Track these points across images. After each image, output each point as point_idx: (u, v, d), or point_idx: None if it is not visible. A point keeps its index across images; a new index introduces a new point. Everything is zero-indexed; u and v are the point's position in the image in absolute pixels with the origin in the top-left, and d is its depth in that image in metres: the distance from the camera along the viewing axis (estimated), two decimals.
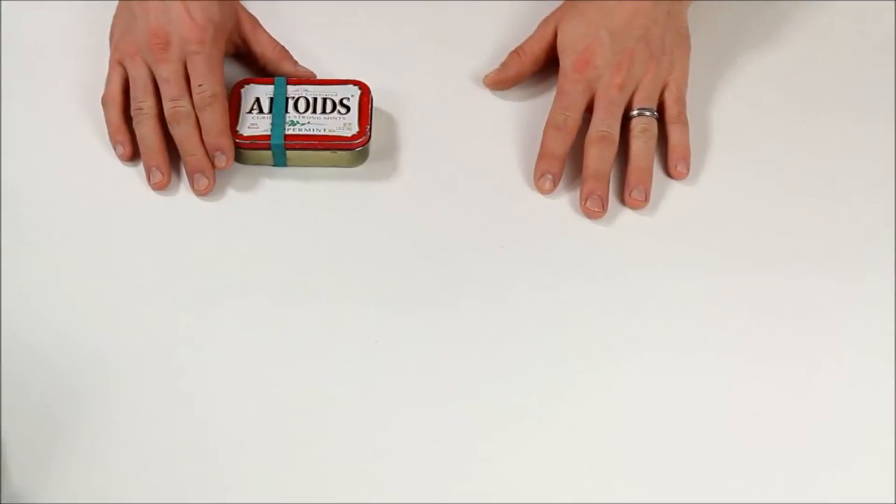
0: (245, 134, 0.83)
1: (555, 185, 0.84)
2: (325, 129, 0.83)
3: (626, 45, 0.85)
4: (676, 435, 0.75)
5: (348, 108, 0.84)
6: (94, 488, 0.72)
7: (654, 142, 0.85)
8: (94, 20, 0.91)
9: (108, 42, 0.89)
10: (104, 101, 0.86)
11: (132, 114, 0.85)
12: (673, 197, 0.85)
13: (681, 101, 0.87)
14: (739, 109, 0.89)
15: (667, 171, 0.85)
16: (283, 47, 0.89)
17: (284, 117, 0.84)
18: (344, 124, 0.84)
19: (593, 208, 0.83)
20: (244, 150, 0.84)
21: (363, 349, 0.78)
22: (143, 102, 0.84)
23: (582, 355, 0.78)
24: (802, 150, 0.87)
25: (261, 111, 0.84)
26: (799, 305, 0.80)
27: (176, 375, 0.76)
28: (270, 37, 0.89)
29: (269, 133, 0.83)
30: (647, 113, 0.85)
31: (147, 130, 0.84)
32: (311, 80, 0.87)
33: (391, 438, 0.74)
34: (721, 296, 0.80)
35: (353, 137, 0.83)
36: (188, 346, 0.78)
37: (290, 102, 0.85)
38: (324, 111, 0.84)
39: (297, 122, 0.84)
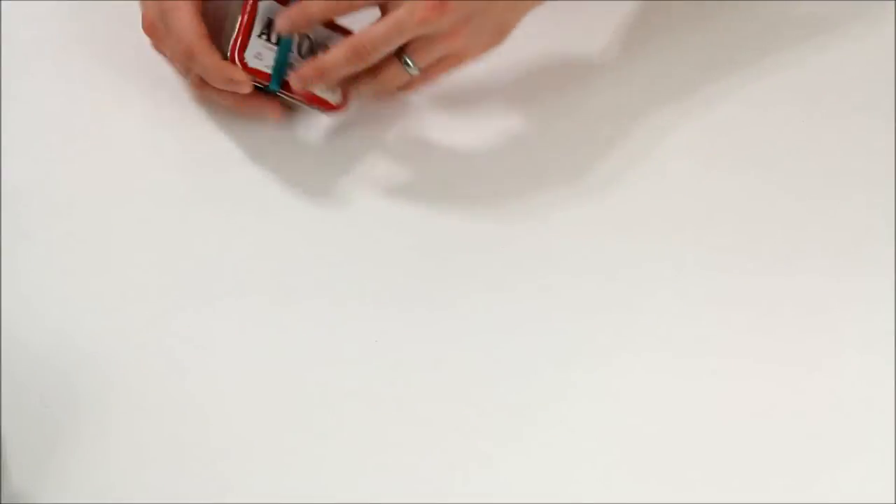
0: (250, 65, 0.81)
1: (290, 28, 0.80)
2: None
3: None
4: (676, 434, 0.75)
5: None
6: (94, 488, 0.72)
7: (384, 91, 0.81)
8: (95, 20, 0.92)
9: (110, 43, 0.89)
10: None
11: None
12: (673, 196, 0.85)
13: (433, 79, 0.81)
14: (739, 109, 0.89)
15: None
16: None
17: (287, 57, 0.82)
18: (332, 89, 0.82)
19: (295, 80, 0.80)
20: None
21: (363, 349, 0.78)
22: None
23: (581, 354, 0.78)
24: (802, 150, 0.87)
25: (269, 40, 0.82)
26: (799, 305, 0.80)
27: (176, 375, 0.76)
28: None
29: (270, 73, 0.81)
30: (411, 66, 0.78)
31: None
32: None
33: (391, 438, 0.74)
34: (721, 295, 0.80)
35: (337, 107, 0.83)
36: (188, 345, 0.78)
37: (296, 41, 0.82)
38: None
39: (296, 66, 0.81)
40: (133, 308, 0.79)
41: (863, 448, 0.75)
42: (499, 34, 0.80)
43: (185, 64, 0.82)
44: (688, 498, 0.72)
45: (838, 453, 0.74)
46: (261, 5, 0.83)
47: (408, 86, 0.82)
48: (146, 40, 0.86)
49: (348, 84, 0.82)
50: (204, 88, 0.84)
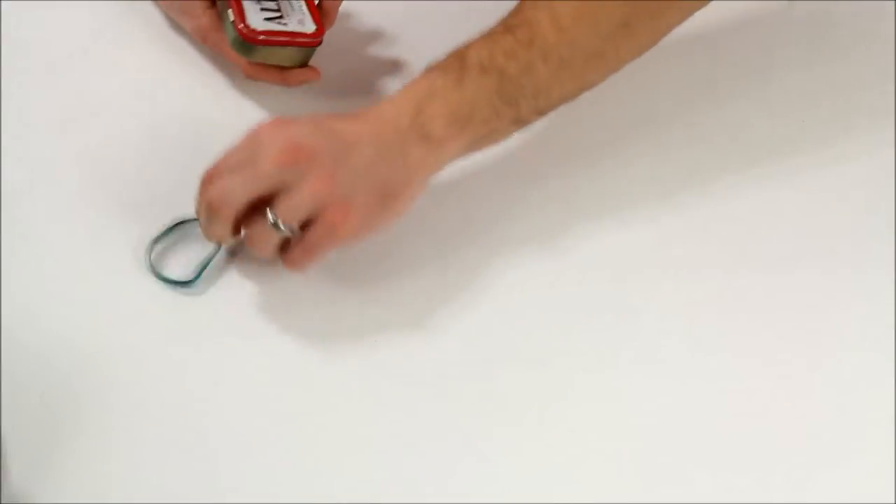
0: (260, 28, 0.82)
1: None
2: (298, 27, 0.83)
3: (311, 144, 0.72)
4: (676, 435, 0.75)
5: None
6: (94, 488, 0.72)
7: (260, 254, 0.76)
8: (95, 20, 0.92)
9: (110, 43, 0.89)
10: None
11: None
12: (673, 197, 0.85)
13: (312, 254, 0.74)
14: (739, 109, 0.89)
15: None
16: None
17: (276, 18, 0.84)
18: (299, 21, 0.83)
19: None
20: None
21: (362, 349, 0.78)
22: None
23: (581, 355, 0.78)
24: (802, 149, 0.87)
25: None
26: (799, 305, 0.80)
27: (176, 375, 0.76)
28: None
29: (282, 30, 0.83)
30: (280, 228, 0.73)
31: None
32: None
33: (390, 438, 0.74)
34: (721, 296, 0.80)
35: (314, 34, 0.84)
36: (188, 346, 0.78)
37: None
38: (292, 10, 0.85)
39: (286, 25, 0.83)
40: (133, 308, 0.79)
41: (863, 448, 0.75)
42: (383, 199, 0.74)
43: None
44: (688, 498, 0.72)
45: (838, 453, 0.74)
46: None
47: (291, 254, 0.75)
48: (147, 41, 0.87)
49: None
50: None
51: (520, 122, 0.79)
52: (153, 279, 0.80)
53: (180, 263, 0.81)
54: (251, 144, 0.74)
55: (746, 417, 0.75)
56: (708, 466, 0.74)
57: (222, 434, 0.74)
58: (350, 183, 0.72)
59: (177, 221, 0.81)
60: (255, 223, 0.74)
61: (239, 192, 0.73)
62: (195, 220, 0.80)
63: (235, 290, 0.80)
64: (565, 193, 0.84)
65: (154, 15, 0.86)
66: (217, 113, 0.87)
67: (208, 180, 0.75)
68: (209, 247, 0.81)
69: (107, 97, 0.89)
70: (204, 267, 0.80)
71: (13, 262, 0.80)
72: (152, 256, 0.80)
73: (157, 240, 0.81)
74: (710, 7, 0.92)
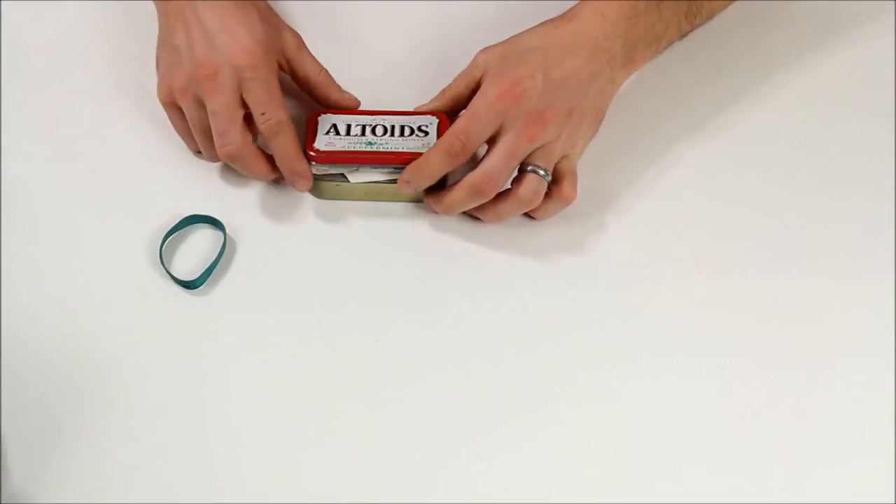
0: (321, 148, 0.82)
1: (415, 190, 0.81)
2: (403, 147, 0.82)
3: (554, 101, 0.78)
4: (676, 435, 0.75)
5: (427, 133, 0.82)
6: (94, 488, 0.72)
7: (529, 207, 0.80)
8: (95, 20, 0.92)
9: (110, 44, 0.89)
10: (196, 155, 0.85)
11: (208, 160, 0.84)
12: (673, 197, 0.85)
13: (574, 175, 0.81)
14: (739, 109, 0.89)
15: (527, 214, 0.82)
16: (327, 72, 0.85)
17: (361, 140, 0.82)
18: (423, 144, 0.82)
19: (430, 206, 0.82)
20: (322, 182, 0.83)
21: (362, 350, 0.78)
22: (206, 148, 0.83)
23: (581, 355, 0.78)
24: (803, 149, 0.87)
25: (337, 133, 0.83)
26: (799, 305, 0.80)
27: (176, 375, 0.76)
28: (315, 59, 0.84)
29: (347, 149, 0.82)
30: (542, 172, 0.79)
31: (242, 166, 0.81)
32: (387, 112, 0.84)
33: (390, 438, 0.74)
34: (721, 296, 0.80)
35: None
36: (188, 346, 0.78)
37: (368, 128, 0.83)
38: (402, 135, 0.82)
39: (374, 143, 0.82)
40: (133, 308, 0.79)
41: (863, 448, 0.75)
42: (596, 122, 0.82)
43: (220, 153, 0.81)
44: (688, 498, 0.72)
45: (838, 453, 0.74)
46: (319, 119, 0.83)
47: (560, 193, 0.81)
48: (146, 41, 0.86)
49: (488, 210, 0.81)
50: (214, 161, 0.84)
51: (680, 36, 0.88)
52: (153, 279, 0.80)
53: (182, 263, 0.81)
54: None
55: (746, 417, 0.75)
56: (708, 466, 0.74)
57: (222, 434, 0.74)
58: (578, 123, 0.80)
59: (188, 216, 0.82)
60: (524, 179, 0.79)
61: (504, 171, 0.79)
62: (205, 217, 0.81)
63: (236, 290, 0.80)
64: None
65: (153, 14, 0.86)
66: None
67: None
68: (214, 249, 0.81)
69: (107, 97, 0.88)
70: (210, 269, 0.80)
71: (13, 262, 0.80)
72: (162, 250, 0.80)
73: (169, 233, 0.81)
74: (714, 6, 0.92)
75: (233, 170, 0.84)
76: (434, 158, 0.79)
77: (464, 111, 0.79)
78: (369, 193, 0.83)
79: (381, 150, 0.82)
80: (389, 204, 0.84)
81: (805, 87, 0.90)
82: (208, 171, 0.85)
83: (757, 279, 0.81)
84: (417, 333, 0.78)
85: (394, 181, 0.82)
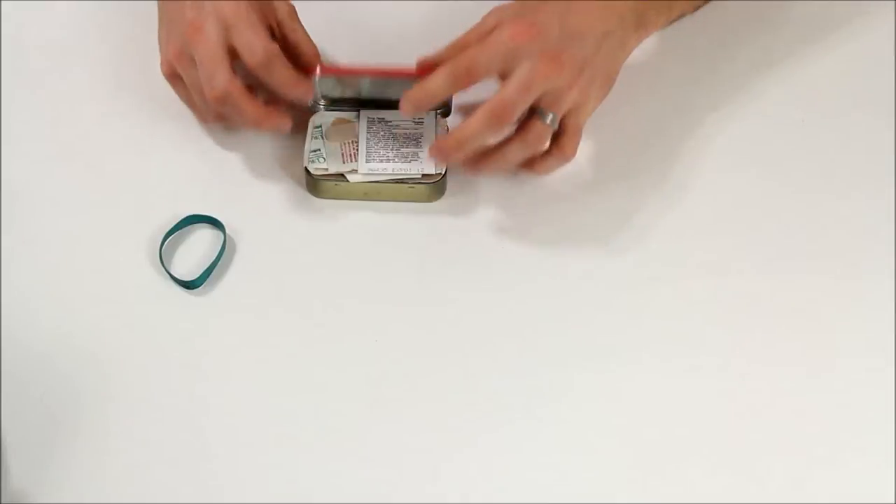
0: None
1: (414, 113, 0.82)
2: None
3: (569, 48, 0.79)
4: (676, 435, 0.75)
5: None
6: (94, 488, 0.72)
7: (532, 154, 0.81)
8: (95, 20, 0.92)
9: (110, 43, 0.89)
10: (205, 124, 0.85)
11: (204, 121, 0.84)
12: (673, 197, 0.85)
13: (578, 133, 0.81)
14: (739, 109, 0.89)
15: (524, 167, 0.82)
16: (316, 47, 0.84)
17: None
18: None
19: (437, 157, 0.82)
20: (321, 182, 0.83)
21: (362, 349, 0.78)
22: (204, 111, 0.83)
23: (581, 355, 0.78)
24: (803, 149, 0.87)
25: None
26: (799, 305, 0.80)
27: (176, 375, 0.76)
28: (305, 31, 0.84)
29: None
30: (549, 119, 0.79)
31: (234, 108, 0.81)
32: (388, 71, 0.84)
33: (390, 438, 0.74)
34: (721, 296, 0.80)
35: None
36: (188, 346, 0.78)
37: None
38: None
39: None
40: (133, 308, 0.79)
41: (863, 448, 0.75)
42: (607, 84, 0.82)
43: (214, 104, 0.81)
44: (688, 498, 0.72)
45: (838, 453, 0.74)
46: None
47: (561, 149, 0.81)
48: (146, 41, 0.87)
49: (492, 156, 0.81)
50: (219, 121, 0.84)
51: (694, 8, 0.90)
52: (153, 279, 0.80)
53: (182, 263, 0.81)
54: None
55: (746, 417, 0.75)
56: (708, 466, 0.74)
57: (222, 434, 0.74)
58: (591, 78, 0.80)
59: (188, 216, 0.82)
60: (532, 123, 0.79)
61: (521, 101, 0.78)
62: (205, 217, 0.81)
63: (236, 290, 0.80)
64: (565, 193, 0.84)
65: (153, 14, 0.86)
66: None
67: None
68: (214, 249, 0.81)
69: (107, 96, 0.88)
70: (210, 269, 0.80)
71: (13, 262, 0.80)
72: (162, 250, 0.80)
73: (169, 233, 0.81)
74: (711, 7, 0.92)
75: (233, 170, 0.84)
76: (437, 80, 0.79)
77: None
78: (368, 193, 0.83)
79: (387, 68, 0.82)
80: (389, 203, 0.84)
81: (805, 87, 0.90)
82: (208, 171, 0.85)
83: (757, 279, 0.81)
84: (417, 333, 0.78)
85: (393, 181, 0.82)
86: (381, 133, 0.84)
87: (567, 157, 0.82)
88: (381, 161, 0.82)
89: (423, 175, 0.82)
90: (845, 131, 0.88)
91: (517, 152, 0.81)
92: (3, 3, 0.93)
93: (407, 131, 0.84)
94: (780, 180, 0.86)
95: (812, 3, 0.95)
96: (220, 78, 0.79)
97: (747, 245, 0.83)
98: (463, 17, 0.90)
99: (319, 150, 0.83)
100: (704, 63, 0.91)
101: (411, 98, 0.80)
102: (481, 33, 0.80)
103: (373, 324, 0.79)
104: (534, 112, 0.79)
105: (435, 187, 0.83)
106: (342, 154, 0.83)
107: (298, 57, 0.84)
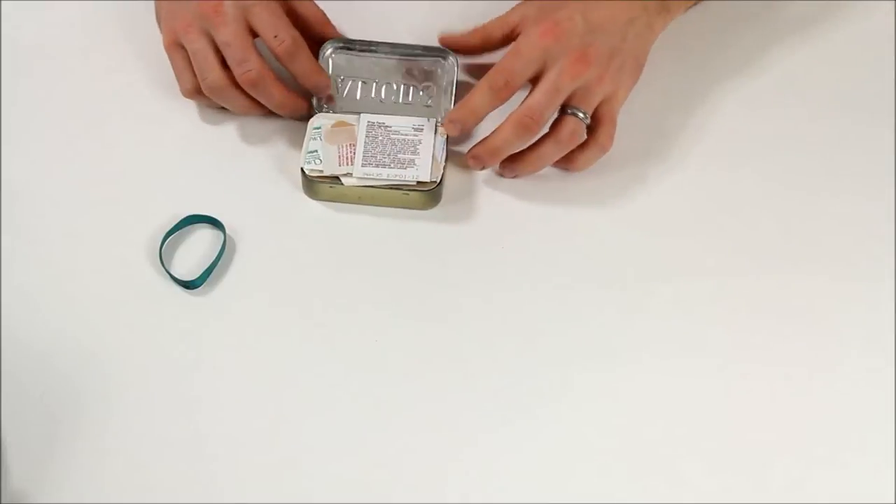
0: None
1: (460, 133, 0.82)
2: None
3: (595, 41, 0.80)
4: (676, 435, 0.75)
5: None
6: (94, 488, 0.72)
7: (568, 150, 0.82)
8: (95, 20, 0.92)
9: (110, 43, 0.89)
10: (187, 95, 0.84)
11: (206, 92, 0.83)
12: (673, 196, 0.85)
13: (613, 122, 0.83)
14: (740, 109, 0.89)
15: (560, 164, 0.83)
16: (323, 12, 0.86)
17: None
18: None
19: (473, 165, 0.83)
20: (316, 183, 0.83)
21: (362, 349, 0.78)
22: (208, 75, 0.82)
23: (581, 355, 0.78)
24: (802, 149, 0.87)
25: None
26: (799, 305, 0.80)
27: (176, 375, 0.76)
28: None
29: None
30: (581, 115, 0.81)
31: (230, 102, 0.82)
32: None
33: (390, 437, 0.74)
34: (721, 296, 0.80)
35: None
36: (188, 346, 0.78)
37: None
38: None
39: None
40: (133, 309, 0.79)
41: (863, 448, 0.75)
42: (637, 68, 0.83)
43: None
44: (688, 498, 0.72)
45: (838, 453, 0.74)
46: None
47: (597, 140, 0.82)
48: (146, 41, 0.87)
49: (527, 157, 0.82)
50: (203, 99, 0.84)
51: None
52: (153, 279, 0.80)
53: (182, 263, 0.81)
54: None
55: (746, 417, 0.75)
56: (708, 466, 0.74)
57: (222, 434, 0.74)
58: (620, 67, 0.81)
59: (188, 216, 0.82)
60: (564, 122, 0.80)
61: (548, 107, 0.80)
62: (205, 217, 0.81)
63: (236, 290, 0.80)
64: (565, 193, 0.84)
65: (154, 14, 0.86)
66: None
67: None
68: (214, 249, 0.81)
69: (107, 96, 0.88)
70: (210, 269, 0.80)
71: (13, 262, 0.80)
72: (162, 250, 0.80)
73: (169, 233, 0.81)
74: (711, 6, 0.93)
75: (232, 170, 0.84)
76: (478, 96, 0.80)
77: (508, 50, 0.80)
78: (363, 198, 0.83)
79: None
80: (385, 208, 0.84)
81: (805, 87, 0.90)
82: (208, 171, 0.85)
83: (757, 279, 0.81)
84: (417, 333, 0.78)
85: (389, 187, 0.82)
86: (380, 137, 0.84)
87: (605, 148, 0.83)
88: (377, 166, 0.82)
89: (419, 182, 0.82)
90: (845, 131, 0.88)
91: (552, 152, 0.82)
92: (3, 3, 0.93)
93: (406, 137, 0.84)
94: (780, 180, 0.86)
95: (812, 3, 0.95)
96: (253, 62, 0.80)
97: (747, 245, 0.83)
98: (462, 18, 0.91)
99: (317, 151, 0.83)
100: (704, 63, 0.91)
101: (456, 118, 0.81)
102: (505, 27, 0.82)
103: (373, 324, 0.79)
104: (565, 109, 0.80)
105: (430, 195, 0.83)
106: (339, 156, 0.83)
107: (308, 27, 0.85)
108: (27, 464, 0.72)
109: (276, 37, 0.81)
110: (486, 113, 0.81)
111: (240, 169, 0.85)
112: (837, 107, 0.89)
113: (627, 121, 0.86)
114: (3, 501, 0.71)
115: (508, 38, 0.82)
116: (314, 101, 0.86)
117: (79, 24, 0.92)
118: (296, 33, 0.81)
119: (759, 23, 0.94)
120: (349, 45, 0.88)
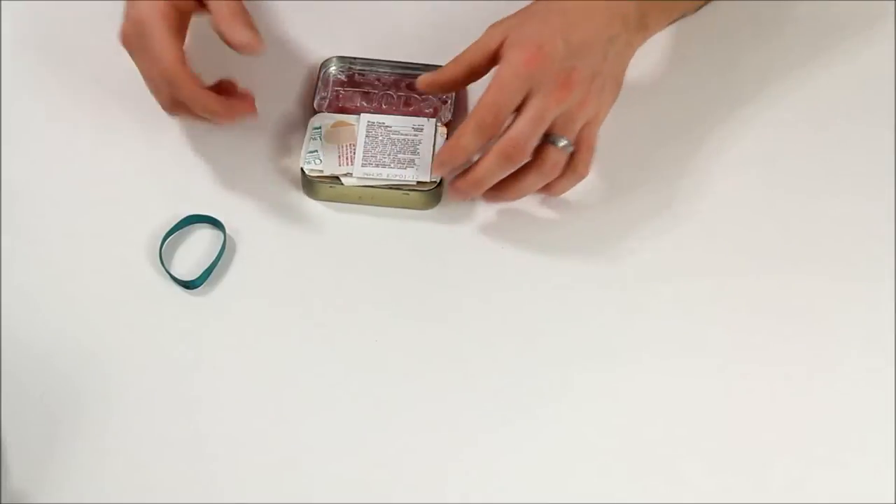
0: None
1: (450, 173, 0.81)
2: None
3: (577, 63, 0.78)
4: (676, 435, 0.75)
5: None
6: (94, 488, 0.72)
7: (550, 180, 0.80)
8: (94, 20, 0.92)
9: (110, 43, 0.89)
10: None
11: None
12: (673, 197, 0.85)
13: (592, 149, 0.81)
14: (738, 110, 0.89)
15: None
16: (240, 5, 0.80)
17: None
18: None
19: (455, 197, 0.81)
20: (316, 183, 0.83)
21: (362, 349, 0.78)
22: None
23: (581, 355, 0.78)
24: (802, 149, 0.87)
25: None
26: (799, 305, 0.80)
27: (176, 375, 0.76)
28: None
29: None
30: (563, 143, 0.79)
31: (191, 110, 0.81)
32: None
33: (390, 438, 0.74)
34: (721, 296, 0.80)
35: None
36: (188, 346, 0.78)
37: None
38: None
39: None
40: (133, 309, 0.79)
41: (863, 448, 0.75)
42: (616, 87, 0.81)
43: (160, 86, 0.81)
44: (688, 498, 0.72)
45: (838, 453, 0.74)
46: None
47: (574, 168, 0.81)
48: None
49: (509, 187, 0.81)
50: (177, 110, 0.82)
51: (698, 9, 0.91)
52: (153, 279, 0.80)
53: (182, 263, 0.81)
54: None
55: (746, 417, 0.75)
56: (708, 466, 0.74)
57: (222, 434, 0.74)
58: (601, 88, 0.79)
59: (188, 216, 0.82)
60: (546, 152, 0.79)
61: (532, 136, 0.78)
62: (205, 217, 0.81)
63: (236, 290, 0.80)
64: (562, 196, 0.84)
65: None
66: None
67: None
68: (214, 249, 0.81)
69: (107, 96, 0.88)
70: (210, 269, 0.80)
71: (13, 262, 0.80)
72: (162, 250, 0.80)
73: (169, 233, 0.81)
74: (711, 7, 0.93)
75: (232, 170, 0.84)
76: (466, 135, 0.78)
77: (491, 83, 0.78)
78: (363, 198, 0.83)
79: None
80: (386, 208, 0.84)
81: (805, 88, 0.90)
82: (208, 171, 0.85)
83: (757, 279, 0.81)
84: (417, 333, 0.78)
85: (389, 187, 0.82)
86: (380, 137, 0.84)
87: (582, 176, 0.81)
88: (377, 166, 0.82)
89: (419, 182, 0.82)
90: (846, 132, 0.88)
91: (534, 182, 0.80)
92: (2, 3, 0.93)
93: (406, 137, 0.84)
94: (780, 180, 0.86)
95: (812, 4, 0.95)
96: (167, 57, 0.78)
97: (747, 246, 0.83)
98: (463, 18, 0.91)
99: (317, 151, 0.83)
100: (704, 64, 0.91)
101: (445, 159, 0.80)
102: (486, 52, 0.79)
103: (373, 324, 0.79)
104: (548, 137, 0.79)
105: (430, 195, 0.83)
106: (339, 156, 0.83)
107: (216, 23, 0.80)
108: (27, 464, 0.72)
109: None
110: (476, 151, 0.79)
111: (240, 169, 0.85)
112: (837, 107, 0.89)
113: (628, 120, 0.86)
114: (3, 501, 0.71)
115: (492, 63, 0.79)
116: (315, 102, 0.86)
117: (79, 23, 0.92)
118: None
119: (759, 24, 0.94)
120: (351, 62, 0.88)
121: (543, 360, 0.77)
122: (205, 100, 0.80)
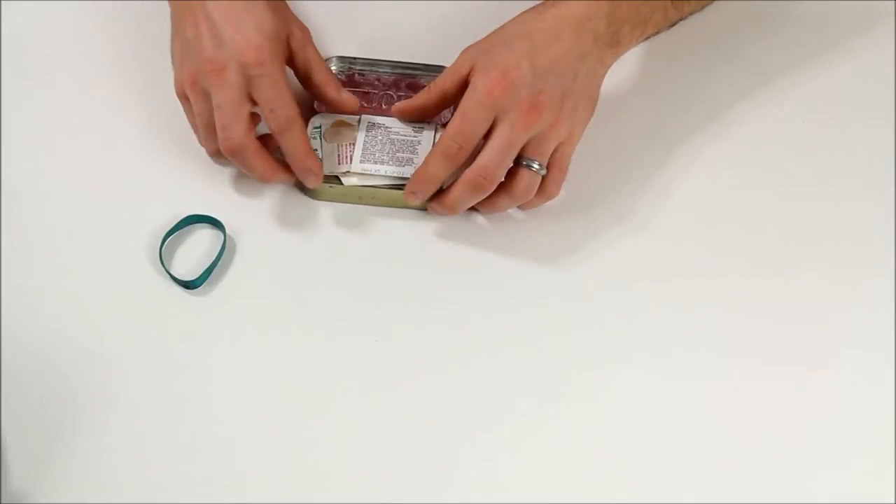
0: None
1: (422, 200, 0.81)
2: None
3: (545, 86, 0.77)
4: (676, 435, 0.75)
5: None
6: (94, 488, 0.72)
7: (522, 202, 0.81)
8: (95, 20, 0.92)
9: (110, 43, 0.89)
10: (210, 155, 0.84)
11: (211, 155, 0.83)
12: (673, 197, 0.85)
13: (563, 171, 0.81)
14: (738, 109, 0.89)
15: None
16: (330, 70, 0.85)
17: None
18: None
19: (430, 209, 0.82)
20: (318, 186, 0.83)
21: (362, 349, 0.78)
22: (202, 142, 0.82)
23: (580, 355, 0.78)
24: (802, 149, 0.87)
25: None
26: (799, 305, 0.80)
27: (176, 375, 0.76)
28: (319, 56, 0.84)
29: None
30: (536, 166, 0.79)
31: (243, 162, 0.80)
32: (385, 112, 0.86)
33: (389, 438, 0.74)
34: (721, 296, 0.80)
35: None
36: (188, 346, 0.78)
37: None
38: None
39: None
40: (133, 309, 0.79)
41: (863, 448, 0.75)
42: (591, 105, 0.81)
43: (211, 137, 0.81)
44: (688, 498, 0.72)
45: (838, 453, 0.74)
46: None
47: (545, 189, 0.81)
48: (147, 41, 0.87)
49: (483, 207, 0.81)
50: (222, 157, 0.82)
51: (673, 25, 0.90)
52: (153, 279, 0.80)
53: (182, 263, 0.81)
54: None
55: (746, 417, 0.75)
56: (708, 466, 0.74)
57: (222, 434, 0.74)
58: (573, 109, 0.79)
59: (188, 216, 0.82)
60: (519, 175, 0.79)
61: (501, 164, 0.78)
62: (205, 217, 0.81)
63: (236, 290, 0.80)
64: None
65: (154, 14, 0.86)
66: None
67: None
68: (214, 249, 0.81)
69: (107, 96, 0.88)
70: (210, 269, 0.80)
71: (13, 262, 0.80)
72: (162, 250, 0.80)
73: (169, 233, 0.81)
74: (711, 7, 0.93)
75: (233, 170, 0.84)
76: (433, 165, 0.79)
77: (456, 111, 0.78)
78: (363, 198, 0.83)
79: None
80: (386, 208, 0.84)
81: (805, 87, 0.90)
82: (208, 171, 0.85)
83: (756, 279, 0.81)
84: (417, 333, 0.78)
85: (389, 186, 0.82)
86: (380, 137, 0.84)
87: (552, 196, 0.81)
88: (376, 163, 0.82)
89: None
90: (846, 132, 0.88)
91: (506, 204, 0.81)
92: (3, 3, 0.93)
93: (405, 137, 0.84)
94: (780, 180, 0.86)
95: (813, 4, 0.95)
96: (235, 131, 0.79)
97: (747, 245, 0.83)
98: (463, 18, 0.91)
99: (317, 150, 0.83)
100: (704, 63, 0.91)
101: (415, 189, 0.80)
102: (457, 77, 0.79)
103: (372, 324, 0.79)
104: (520, 160, 0.79)
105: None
106: (338, 156, 0.83)
107: (311, 87, 0.84)
108: (27, 464, 0.72)
109: (272, 111, 0.79)
110: (444, 178, 0.79)
111: (240, 169, 0.85)
112: (837, 107, 0.89)
113: (626, 120, 0.87)
114: (3, 501, 0.71)
115: (464, 88, 0.79)
116: (315, 102, 0.86)
117: (79, 23, 0.92)
118: (293, 111, 0.79)
119: (759, 23, 0.94)
120: (351, 62, 0.88)
121: (543, 359, 0.77)
122: (261, 169, 0.81)
